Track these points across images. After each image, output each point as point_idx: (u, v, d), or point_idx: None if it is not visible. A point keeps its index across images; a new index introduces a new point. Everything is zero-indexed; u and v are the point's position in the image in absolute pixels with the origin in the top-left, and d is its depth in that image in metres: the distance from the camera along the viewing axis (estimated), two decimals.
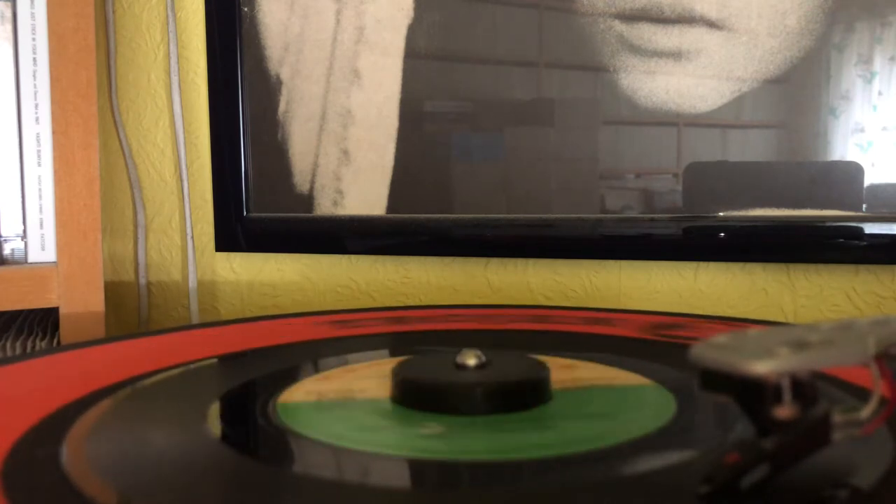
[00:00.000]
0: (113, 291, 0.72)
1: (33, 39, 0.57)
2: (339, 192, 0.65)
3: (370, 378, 0.35)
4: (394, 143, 0.63)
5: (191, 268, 0.70)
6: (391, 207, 0.64)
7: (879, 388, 0.21)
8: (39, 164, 0.57)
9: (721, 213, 0.55)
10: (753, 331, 0.22)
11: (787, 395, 0.20)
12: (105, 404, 0.32)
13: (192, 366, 0.39)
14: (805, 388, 0.20)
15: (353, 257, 0.67)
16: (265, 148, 0.66)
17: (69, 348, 0.42)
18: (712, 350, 0.21)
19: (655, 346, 0.42)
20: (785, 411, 0.20)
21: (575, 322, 0.48)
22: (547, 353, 0.37)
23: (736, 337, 0.22)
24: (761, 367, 0.20)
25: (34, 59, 0.57)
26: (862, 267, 0.55)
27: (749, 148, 0.55)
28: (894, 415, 0.22)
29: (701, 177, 0.56)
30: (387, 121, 0.63)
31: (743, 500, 0.21)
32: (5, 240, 0.57)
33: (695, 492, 0.21)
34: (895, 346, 0.21)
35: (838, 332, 0.22)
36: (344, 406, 0.32)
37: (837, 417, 0.21)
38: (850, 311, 0.56)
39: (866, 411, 0.21)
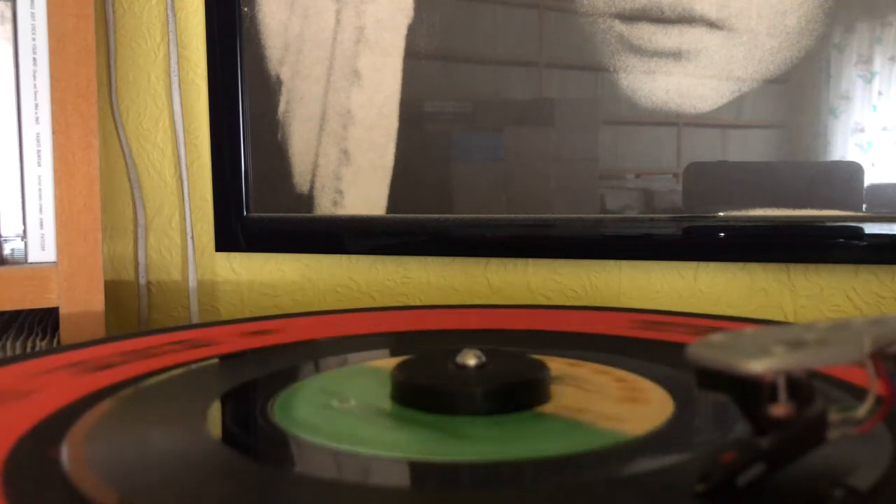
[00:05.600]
0: (113, 291, 0.72)
1: (33, 39, 0.57)
2: (339, 192, 0.65)
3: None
4: (394, 143, 0.63)
5: (191, 268, 0.70)
6: (391, 207, 0.64)
7: (875, 388, 0.21)
8: (39, 164, 0.57)
9: (721, 213, 0.55)
10: (750, 329, 0.22)
11: (782, 394, 0.20)
12: (105, 404, 0.32)
13: (192, 366, 0.39)
14: (801, 386, 0.21)
15: (353, 257, 0.67)
16: (265, 148, 0.67)
17: (69, 348, 0.42)
18: (709, 349, 0.21)
19: (652, 344, 0.42)
20: (780, 410, 0.20)
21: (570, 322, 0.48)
22: (546, 353, 0.37)
23: (732, 336, 0.22)
24: (757, 366, 0.20)
25: (34, 59, 0.57)
26: (862, 267, 0.55)
27: (749, 148, 0.55)
28: (891, 414, 0.22)
29: (701, 177, 0.56)
30: (387, 121, 0.63)
31: (739, 498, 0.21)
32: (5, 240, 0.58)
33: (691, 490, 0.21)
34: (891, 346, 0.21)
35: (834, 332, 0.22)
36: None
37: (833, 416, 0.21)
38: (850, 311, 0.56)
39: (862, 410, 0.22)
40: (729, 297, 0.58)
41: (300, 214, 0.66)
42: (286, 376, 0.36)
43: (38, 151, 0.57)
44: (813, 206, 0.54)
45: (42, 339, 0.56)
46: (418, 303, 0.66)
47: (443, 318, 0.50)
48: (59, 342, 0.56)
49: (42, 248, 0.57)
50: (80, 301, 0.56)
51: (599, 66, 0.58)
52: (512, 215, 0.60)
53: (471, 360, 0.31)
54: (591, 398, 0.32)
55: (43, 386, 0.35)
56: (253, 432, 0.30)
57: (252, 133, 0.67)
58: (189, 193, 0.70)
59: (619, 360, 0.38)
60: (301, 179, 0.66)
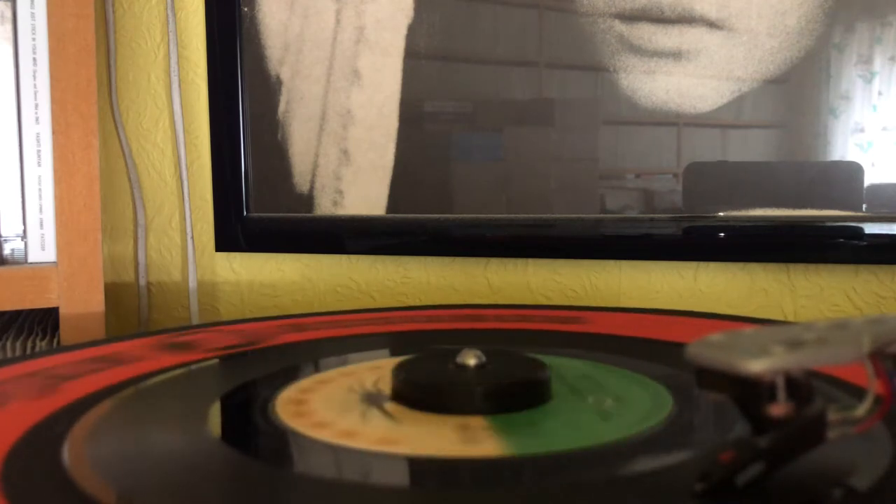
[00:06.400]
0: (113, 291, 0.72)
1: (33, 39, 0.57)
2: (339, 192, 0.65)
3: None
4: (394, 143, 0.63)
5: (191, 268, 0.70)
6: (391, 207, 0.64)
7: (874, 387, 0.21)
8: (39, 164, 0.58)
9: (721, 213, 0.55)
10: (749, 329, 0.22)
11: (781, 394, 0.20)
12: (105, 404, 0.32)
13: (192, 366, 0.39)
14: (800, 386, 0.21)
15: (353, 257, 0.67)
16: (265, 148, 0.67)
17: (69, 348, 0.42)
18: (708, 348, 0.21)
19: (651, 344, 0.42)
20: (779, 409, 0.20)
21: (551, 321, 0.48)
22: (546, 353, 0.37)
23: (731, 335, 0.22)
24: (756, 366, 0.20)
25: (34, 59, 0.57)
26: (862, 267, 0.55)
27: (749, 148, 0.55)
28: (890, 413, 0.22)
29: (701, 177, 0.56)
30: (387, 121, 0.63)
31: (738, 498, 0.21)
32: (5, 240, 0.58)
33: (691, 489, 0.21)
34: (890, 345, 0.21)
35: (833, 331, 0.22)
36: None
37: (832, 416, 0.21)
38: (850, 310, 0.56)
39: (861, 410, 0.22)
40: (729, 297, 0.58)
41: (300, 214, 0.66)
42: (286, 376, 0.36)
43: (38, 151, 0.58)
44: (813, 206, 0.54)
45: (42, 339, 0.56)
46: (418, 303, 0.66)
47: (442, 319, 0.50)
48: (59, 342, 0.56)
49: (42, 248, 0.58)
50: (80, 301, 0.56)
51: (599, 66, 0.58)
52: (512, 215, 0.60)
53: (471, 360, 0.31)
54: None
55: (43, 386, 0.35)
56: (253, 432, 0.30)
57: (252, 133, 0.67)
58: (189, 193, 0.70)
59: (620, 360, 0.38)
60: (301, 179, 0.66)
